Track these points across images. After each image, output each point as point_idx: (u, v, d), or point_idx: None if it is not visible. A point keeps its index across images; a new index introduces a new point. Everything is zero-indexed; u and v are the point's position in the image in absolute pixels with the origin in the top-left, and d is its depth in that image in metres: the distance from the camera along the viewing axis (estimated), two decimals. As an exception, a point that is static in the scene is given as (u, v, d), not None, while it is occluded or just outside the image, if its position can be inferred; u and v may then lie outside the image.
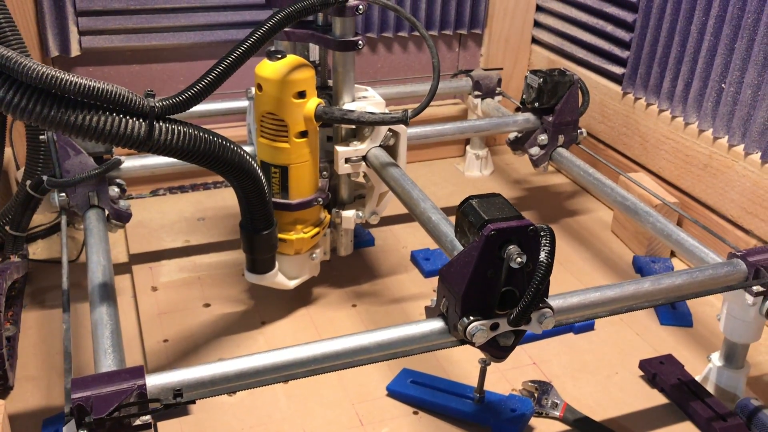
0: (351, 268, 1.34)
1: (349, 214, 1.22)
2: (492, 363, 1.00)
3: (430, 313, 0.87)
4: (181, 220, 1.47)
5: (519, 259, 0.76)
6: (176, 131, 0.82)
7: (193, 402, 0.73)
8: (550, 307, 0.82)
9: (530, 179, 1.72)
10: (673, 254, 1.41)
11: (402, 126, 1.18)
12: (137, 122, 0.79)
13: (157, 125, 0.81)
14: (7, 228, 1.23)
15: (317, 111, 1.06)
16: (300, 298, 1.25)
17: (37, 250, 1.37)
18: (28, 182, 1.18)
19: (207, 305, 1.22)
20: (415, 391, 1.04)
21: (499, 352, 0.84)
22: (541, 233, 0.79)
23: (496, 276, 0.79)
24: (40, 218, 1.41)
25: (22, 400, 1.03)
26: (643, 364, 1.11)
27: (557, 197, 1.64)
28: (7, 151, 1.41)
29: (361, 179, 1.24)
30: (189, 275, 1.30)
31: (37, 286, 1.27)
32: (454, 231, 0.90)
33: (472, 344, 0.82)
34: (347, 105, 1.15)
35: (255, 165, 0.94)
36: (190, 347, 1.13)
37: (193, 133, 0.84)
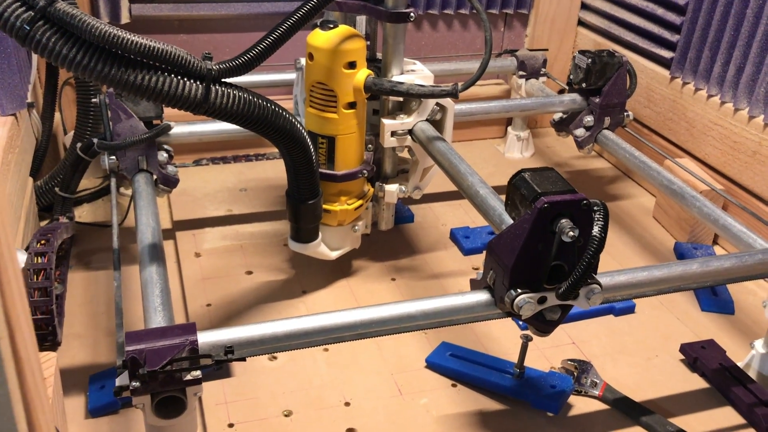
0: (391, 243, 1.34)
1: (392, 188, 1.22)
2: (531, 340, 1.01)
3: (476, 285, 0.87)
4: (223, 190, 1.49)
5: (571, 233, 0.76)
6: (232, 95, 0.83)
7: (244, 359, 0.74)
8: (599, 284, 0.82)
9: (571, 162, 1.70)
10: (715, 241, 1.40)
11: (449, 100, 1.18)
12: (194, 84, 0.80)
13: (213, 88, 0.82)
14: (56, 189, 1.25)
15: (367, 82, 1.07)
16: (340, 269, 1.26)
17: (83, 214, 1.40)
18: (79, 144, 1.20)
19: (249, 272, 1.24)
20: (454, 364, 1.04)
21: (544, 326, 0.84)
22: (595, 208, 0.78)
23: (546, 249, 0.79)
24: (85, 183, 1.43)
25: (69, 356, 1.05)
26: (684, 348, 1.10)
27: (598, 181, 1.63)
28: (56, 116, 1.44)
29: (405, 154, 1.24)
30: (232, 243, 1.31)
31: (83, 248, 1.29)
32: (505, 204, 0.90)
33: (519, 317, 0.82)
34: (396, 77, 1.15)
35: (305, 134, 0.95)
36: (233, 312, 1.14)
37: (247, 98, 0.85)
